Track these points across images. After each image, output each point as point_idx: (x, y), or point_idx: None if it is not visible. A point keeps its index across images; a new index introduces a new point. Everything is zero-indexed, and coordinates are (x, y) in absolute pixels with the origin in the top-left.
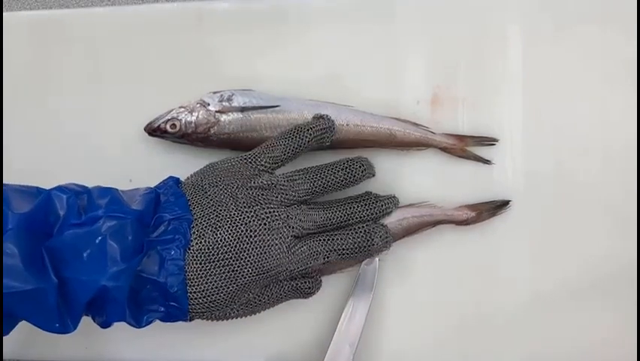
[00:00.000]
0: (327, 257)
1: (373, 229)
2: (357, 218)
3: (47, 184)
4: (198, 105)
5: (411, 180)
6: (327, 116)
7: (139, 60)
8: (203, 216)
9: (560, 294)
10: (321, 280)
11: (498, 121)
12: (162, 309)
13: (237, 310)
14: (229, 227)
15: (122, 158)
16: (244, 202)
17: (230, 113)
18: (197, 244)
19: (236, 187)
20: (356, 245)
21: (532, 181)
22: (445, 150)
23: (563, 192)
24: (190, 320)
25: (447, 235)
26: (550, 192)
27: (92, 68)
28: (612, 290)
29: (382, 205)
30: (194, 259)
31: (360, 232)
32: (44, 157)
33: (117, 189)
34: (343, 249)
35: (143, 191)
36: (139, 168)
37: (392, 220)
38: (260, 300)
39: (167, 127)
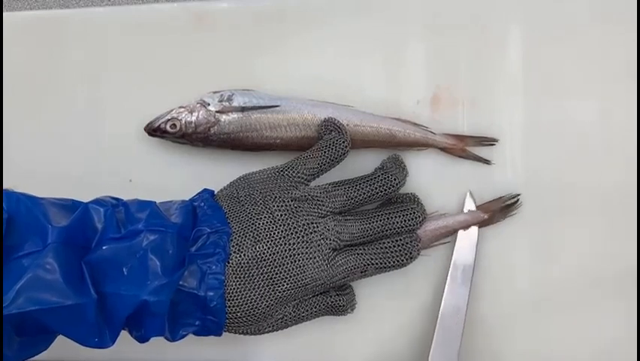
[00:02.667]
0: (365, 271)
1: (411, 242)
2: (394, 229)
3: (47, 184)
4: (198, 105)
5: (411, 180)
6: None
7: (139, 60)
8: (241, 229)
9: (561, 294)
10: (355, 300)
11: (498, 121)
12: (198, 323)
13: (271, 326)
14: (268, 240)
15: (122, 158)
16: (281, 215)
17: (230, 113)
18: (236, 257)
19: (273, 199)
20: (395, 259)
21: (532, 181)
22: (445, 150)
23: (562, 192)
24: (221, 335)
25: None
26: (550, 192)
27: (92, 68)
28: (612, 290)
29: (418, 216)
30: (233, 273)
31: (399, 246)
32: (44, 157)
33: (154, 202)
34: (381, 262)
35: (178, 204)
36: (139, 168)
37: None
38: (294, 316)
39: (167, 127)
